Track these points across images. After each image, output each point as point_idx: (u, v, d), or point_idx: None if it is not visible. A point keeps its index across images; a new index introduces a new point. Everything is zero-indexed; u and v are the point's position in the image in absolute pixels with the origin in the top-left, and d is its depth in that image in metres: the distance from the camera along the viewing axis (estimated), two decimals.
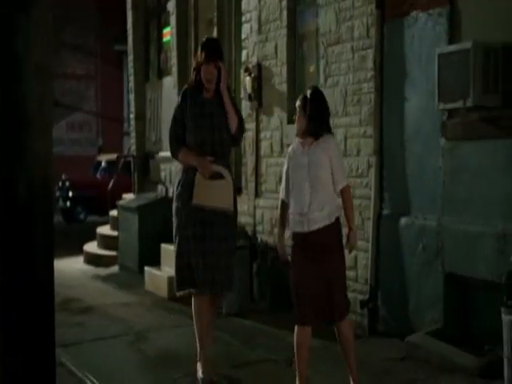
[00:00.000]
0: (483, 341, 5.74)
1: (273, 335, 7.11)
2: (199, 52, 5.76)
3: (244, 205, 9.00)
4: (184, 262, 5.65)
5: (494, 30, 5.77)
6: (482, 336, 5.84)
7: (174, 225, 5.74)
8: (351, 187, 5.52)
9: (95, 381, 5.89)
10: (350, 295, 6.96)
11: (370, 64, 7.01)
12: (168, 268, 8.96)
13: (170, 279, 8.58)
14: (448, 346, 5.81)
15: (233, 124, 5.77)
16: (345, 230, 5.22)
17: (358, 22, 7.18)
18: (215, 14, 9.95)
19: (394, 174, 6.78)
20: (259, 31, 8.85)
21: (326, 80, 7.62)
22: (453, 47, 5.86)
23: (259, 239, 8.69)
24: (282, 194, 5.27)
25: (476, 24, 5.97)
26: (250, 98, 8.91)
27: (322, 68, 7.69)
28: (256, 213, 8.88)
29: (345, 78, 7.36)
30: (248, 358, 6.39)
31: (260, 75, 8.78)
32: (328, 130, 5.27)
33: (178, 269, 5.70)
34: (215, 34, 9.85)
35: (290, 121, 8.21)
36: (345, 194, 5.19)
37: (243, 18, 9.23)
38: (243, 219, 8.97)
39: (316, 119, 5.16)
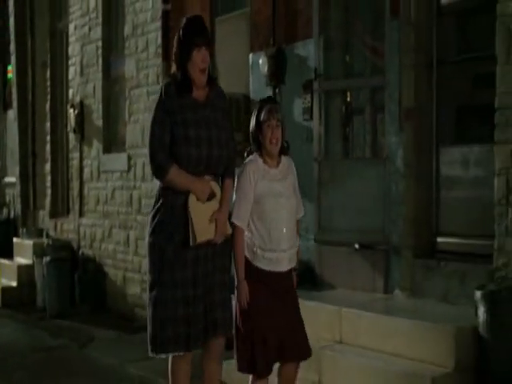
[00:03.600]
0: None
1: (80, 330, 8.51)
2: (181, 35, 4.27)
3: (71, 223, 10.45)
4: (171, 316, 4.18)
5: (234, 85, 7.47)
6: None
7: (151, 266, 4.25)
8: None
9: None
10: (146, 296, 8.54)
11: None
12: None
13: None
14: None
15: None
16: None
17: (151, 71, 8.77)
18: (48, 56, 11.36)
19: None
20: (81, 73, 10.32)
21: (129, 117, 9.17)
22: None
23: (81, 252, 10.10)
24: (238, 221, 4.29)
25: (225, 79, 7.66)
26: (74, 131, 10.35)
27: (127, 107, 9.23)
28: (80, 230, 10.30)
29: (143, 115, 8.92)
30: (48, 344, 7.80)
31: (82, 111, 10.24)
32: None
33: (162, 325, 4.19)
34: (48, 74, 11.27)
35: (106, 151, 9.76)
36: (298, 224, 4.52)
37: (70, 62, 10.69)
38: (70, 235, 10.42)
39: (283, 136, 4.41)
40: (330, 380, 5.27)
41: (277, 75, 6.80)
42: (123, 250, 9.22)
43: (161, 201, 4.24)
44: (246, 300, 4.27)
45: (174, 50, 4.33)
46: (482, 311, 4.57)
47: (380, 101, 6.06)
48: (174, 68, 4.37)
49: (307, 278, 6.28)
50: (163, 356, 4.31)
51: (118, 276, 9.31)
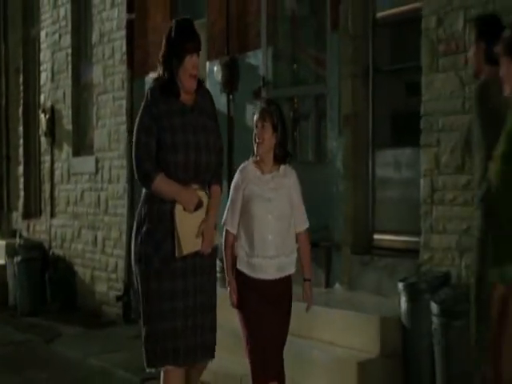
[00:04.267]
0: None
1: (49, 326, 8.88)
2: (172, 38, 4.14)
3: (43, 224, 10.82)
4: (168, 327, 4.08)
5: None
6: None
7: (140, 276, 4.13)
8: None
9: None
10: (112, 294, 8.96)
11: (124, 111, 8.98)
12: None
13: None
14: None
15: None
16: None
17: (117, 77, 9.15)
18: (21, 62, 11.72)
19: (139, 196, 8.73)
20: (52, 79, 10.68)
21: (97, 122, 9.54)
22: None
23: (52, 252, 10.46)
24: (229, 225, 4.30)
25: None
26: (45, 134, 10.71)
27: (95, 112, 9.60)
28: (51, 230, 10.66)
29: (109, 120, 9.30)
30: (16, 339, 8.17)
31: (53, 116, 10.59)
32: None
33: (160, 337, 4.08)
34: (21, 80, 11.62)
35: (75, 154, 10.14)
36: (305, 236, 4.39)
37: (41, 68, 11.05)
38: (42, 236, 10.79)
39: (284, 142, 4.32)
40: None
41: (230, 82, 7.20)
42: (91, 250, 9.60)
43: (147, 208, 4.11)
44: (235, 298, 4.23)
45: (163, 53, 4.17)
46: (403, 301, 4.99)
47: (323, 108, 6.47)
48: (159, 71, 4.21)
49: None
50: (155, 369, 4.16)
51: (87, 275, 9.69)
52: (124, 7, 8.90)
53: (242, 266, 4.27)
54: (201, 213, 4.15)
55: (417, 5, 5.53)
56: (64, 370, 6.84)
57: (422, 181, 5.41)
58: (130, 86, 8.88)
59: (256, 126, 4.29)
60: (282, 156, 4.29)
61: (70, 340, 8.08)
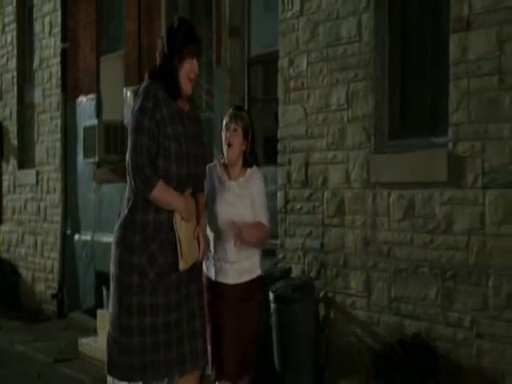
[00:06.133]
0: None
1: None
2: (175, 37, 3.99)
3: None
4: (161, 340, 3.89)
5: (114, 113, 8.98)
6: None
7: (127, 288, 3.88)
8: None
9: None
10: (49, 293, 10.04)
11: (59, 129, 10.08)
12: None
13: None
14: (89, 317, 8.87)
15: None
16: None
17: (53, 99, 10.25)
18: None
19: (72, 205, 9.85)
20: (1, 98, 11.78)
21: (38, 138, 10.64)
22: (89, 122, 9.02)
23: None
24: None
25: (107, 108, 9.18)
26: None
27: (36, 129, 10.70)
28: None
29: (47, 137, 10.40)
30: None
31: (1, 132, 11.68)
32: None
33: (153, 348, 3.88)
34: None
35: (20, 167, 11.22)
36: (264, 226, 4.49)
37: None
38: None
39: (253, 147, 4.38)
40: None
41: None
42: (32, 253, 10.70)
43: (139, 217, 3.87)
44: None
45: (163, 51, 3.97)
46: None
47: (213, 130, 7.57)
48: (157, 69, 4.00)
49: None
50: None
51: (29, 276, 10.78)
52: (59, 37, 10.04)
53: (208, 270, 4.36)
54: (193, 221, 4.03)
55: (277, 47, 6.67)
56: None
57: (278, 193, 6.54)
58: (64, 107, 10.00)
59: (227, 129, 4.30)
60: (251, 161, 4.35)
61: (6, 332, 9.15)
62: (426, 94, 5.50)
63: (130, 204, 3.94)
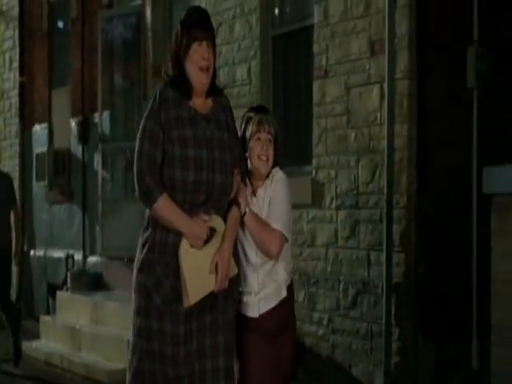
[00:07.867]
0: None
1: None
2: (179, 29, 3.56)
3: None
4: (157, 370, 3.42)
5: (63, 141, 10.01)
6: None
7: (138, 307, 3.47)
8: None
9: None
10: None
11: (17, 154, 11.10)
12: None
13: None
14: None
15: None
16: None
17: (13, 128, 11.29)
18: None
19: (28, 224, 10.87)
20: None
21: (0, 163, 11.67)
22: (41, 149, 10.06)
23: None
24: None
25: (57, 136, 10.21)
26: None
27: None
28: None
29: (8, 162, 11.41)
30: None
31: None
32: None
33: (145, 379, 3.44)
34: None
35: None
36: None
37: None
38: None
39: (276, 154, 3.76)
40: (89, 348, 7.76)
41: (83, 136, 9.37)
42: None
43: (149, 233, 3.45)
44: None
45: (172, 46, 3.56)
46: None
47: None
48: (169, 69, 3.56)
49: (98, 283, 8.83)
50: None
51: None
52: (17, 71, 11.10)
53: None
54: (214, 243, 3.44)
55: None
56: None
57: None
58: (22, 135, 11.04)
59: (256, 139, 3.67)
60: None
61: None
62: (300, 129, 6.54)
63: (145, 220, 3.54)
